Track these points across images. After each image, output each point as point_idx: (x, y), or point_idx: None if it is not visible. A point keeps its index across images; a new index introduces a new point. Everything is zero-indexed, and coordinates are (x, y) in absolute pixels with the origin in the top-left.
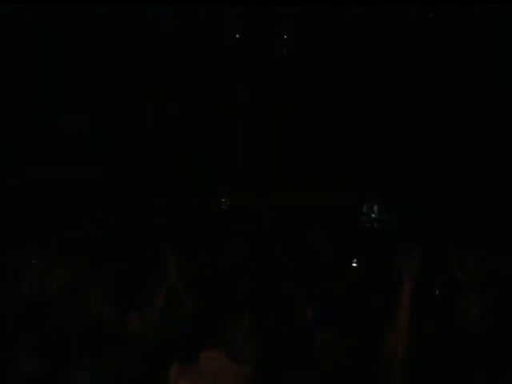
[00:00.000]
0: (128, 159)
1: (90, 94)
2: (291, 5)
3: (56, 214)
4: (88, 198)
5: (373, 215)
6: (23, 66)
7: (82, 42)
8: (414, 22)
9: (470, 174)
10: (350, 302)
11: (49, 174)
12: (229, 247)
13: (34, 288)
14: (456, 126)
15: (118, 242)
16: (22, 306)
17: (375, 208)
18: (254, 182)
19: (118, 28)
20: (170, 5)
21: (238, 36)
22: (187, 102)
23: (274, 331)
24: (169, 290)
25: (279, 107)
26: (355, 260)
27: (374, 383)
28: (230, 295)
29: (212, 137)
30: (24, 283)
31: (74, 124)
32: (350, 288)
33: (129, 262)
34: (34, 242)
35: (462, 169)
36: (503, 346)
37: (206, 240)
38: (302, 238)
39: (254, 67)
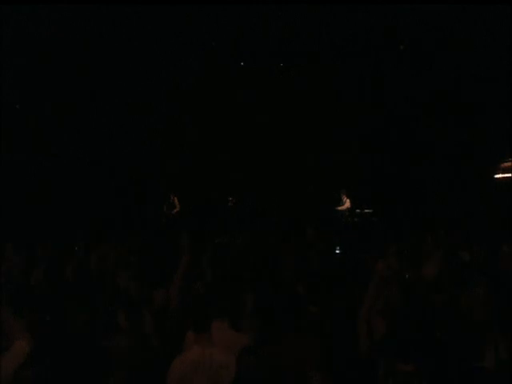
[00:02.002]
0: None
1: (89, 93)
2: (291, 5)
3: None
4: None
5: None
6: (23, 65)
7: (81, 42)
8: (414, 22)
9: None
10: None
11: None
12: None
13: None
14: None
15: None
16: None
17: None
18: (254, 182)
19: (117, 28)
20: (171, 5)
21: (238, 37)
22: (188, 102)
23: (271, 307)
24: (186, 266)
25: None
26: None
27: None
28: (236, 279)
29: (212, 137)
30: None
31: (75, 124)
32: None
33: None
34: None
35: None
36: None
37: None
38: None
39: (254, 69)
